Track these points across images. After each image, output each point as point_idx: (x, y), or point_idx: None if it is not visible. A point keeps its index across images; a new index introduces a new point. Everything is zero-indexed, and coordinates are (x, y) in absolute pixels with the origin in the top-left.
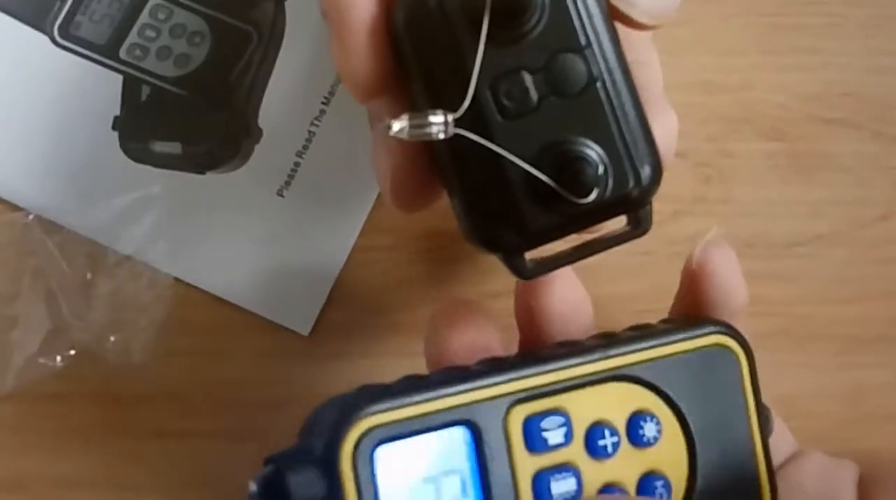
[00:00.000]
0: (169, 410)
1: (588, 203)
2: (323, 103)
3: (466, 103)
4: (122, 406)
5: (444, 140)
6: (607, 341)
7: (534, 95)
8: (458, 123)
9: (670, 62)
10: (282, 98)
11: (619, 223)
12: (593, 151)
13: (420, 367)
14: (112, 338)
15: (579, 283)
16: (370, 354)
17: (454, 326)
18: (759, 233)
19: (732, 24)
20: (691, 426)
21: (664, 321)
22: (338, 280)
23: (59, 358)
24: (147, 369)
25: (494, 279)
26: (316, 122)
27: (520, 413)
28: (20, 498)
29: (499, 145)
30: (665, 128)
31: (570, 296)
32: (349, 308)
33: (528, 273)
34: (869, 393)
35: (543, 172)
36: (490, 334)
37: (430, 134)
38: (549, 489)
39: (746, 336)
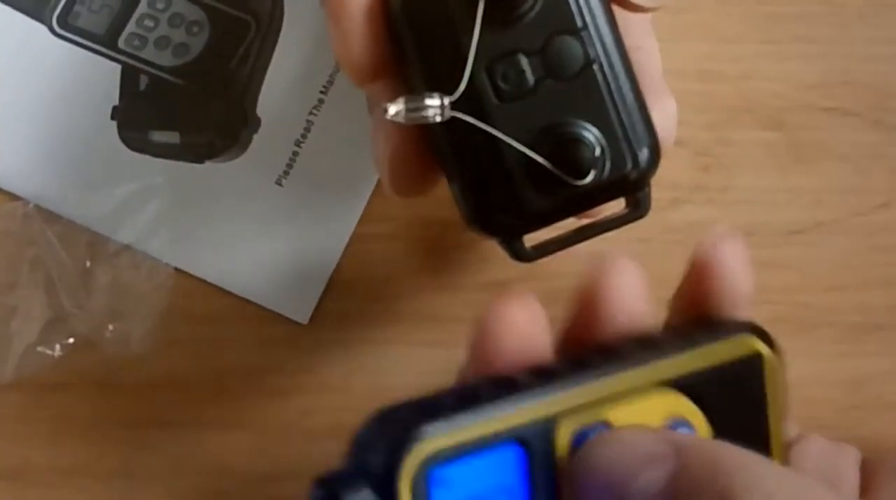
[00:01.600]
0: (168, 399)
1: (585, 185)
2: (321, 92)
3: (463, 86)
4: (122, 395)
5: (442, 124)
6: (649, 347)
7: (530, 77)
8: (454, 105)
9: (669, 50)
10: (280, 87)
11: (618, 207)
12: (590, 132)
13: (420, 356)
14: (111, 327)
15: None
16: (369, 342)
17: (511, 329)
18: (758, 221)
19: (732, 12)
20: (718, 432)
21: (696, 321)
22: (336, 269)
23: (58, 347)
24: (146, 359)
25: (492, 268)
26: (314, 111)
27: (567, 427)
28: (20, 486)
29: (495, 128)
30: (665, 113)
31: (635, 307)
32: (348, 297)
33: (527, 257)
34: (869, 381)
35: (540, 155)
36: (544, 339)
37: (426, 117)
38: None
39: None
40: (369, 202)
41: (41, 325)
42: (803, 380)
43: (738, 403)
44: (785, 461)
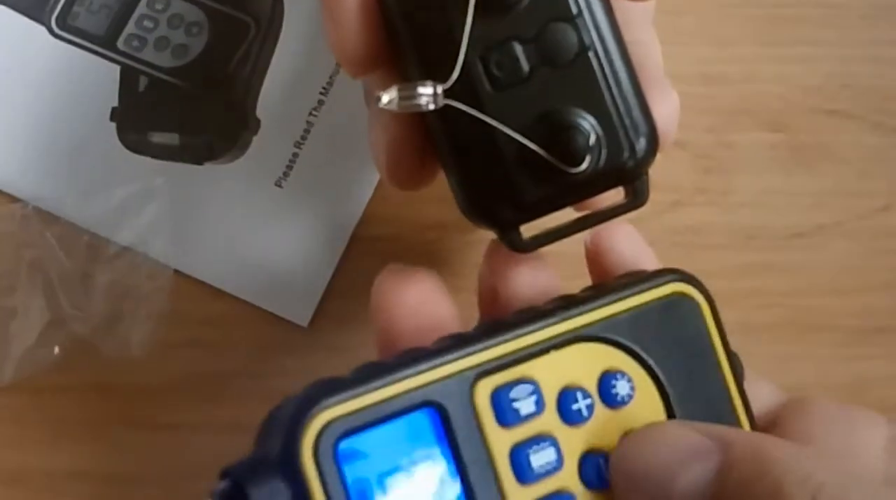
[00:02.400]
0: (168, 401)
1: (581, 173)
2: (321, 94)
3: (456, 74)
4: (121, 398)
5: (437, 113)
6: (566, 302)
7: (525, 65)
8: (448, 94)
9: (671, 53)
10: (280, 89)
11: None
12: (585, 120)
13: None
14: (111, 329)
15: (549, 267)
16: (369, 345)
17: (403, 297)
18: (760, 224)
19: (733, 15)
20: (663, 379)
21: (620, 277)
22: (336, 271)
23: (57, 349)
24: (145, 361)
25: None
26: (314, 112)
27: (486, 387)
28: (18, 489)
29: (490, 116)
30: (667, 107)
31: (538, 282)
32: (348, 299)
33: (524, 247)
34: (871, 384)
35: (535, 143)
36: (445, 306)
37: (419, 105)
38: (528, 462)
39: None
40: (369, 204)
41: (40, 327)
42: (805, 383)
43: (680, 349)
44: (746, 403)
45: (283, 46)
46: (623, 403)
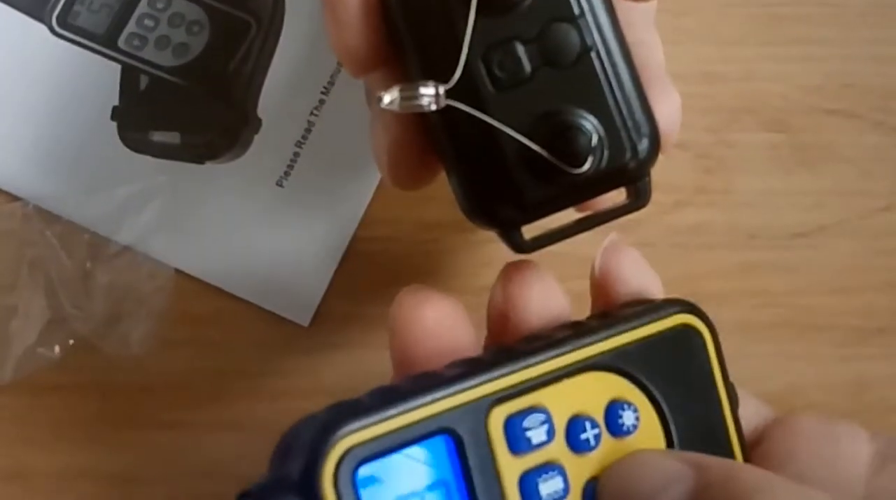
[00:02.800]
0: (168, 401)
1: (584, 174)
2: (322, 93)
3: (458, 74)
4: (121, 397)
5: (439, 113)
6: (578, 331)
7: (527, 65)
8: (449, 94)
9: (671, 53)
10: (281, 88)
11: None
12: (588, 121)
13: None
14: (111, 329)
15: (561, 293)
16: (370, 344)
17: (423, 324)
18: (761, 224)
19: (734, 14)
20: (665, 408)
21: (627, 304)
22: (337, 271)
23: (57, 349)
24: (146, 360)
25: (493, 271)
26: (315, 112)
27: (500, 414)
28: (19, 489)
29: (491, 117)
30: (669, 107)
31: (549, 309)
32: (349, 299)
33: (526, 248)
34: (872, 385)
35: (538, 143)
36: (463, 330)
37: (421, 105)
38: (537, 490)
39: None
40: (370, 204)
41: (41, 326)
42: (805, 383)
43: (684, 380)
44: (740, 434)
45: (284, 45)
46: (628, 433)
